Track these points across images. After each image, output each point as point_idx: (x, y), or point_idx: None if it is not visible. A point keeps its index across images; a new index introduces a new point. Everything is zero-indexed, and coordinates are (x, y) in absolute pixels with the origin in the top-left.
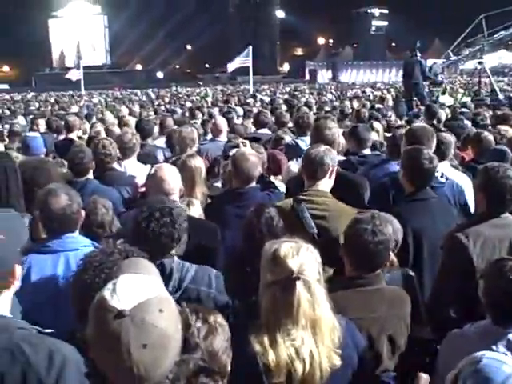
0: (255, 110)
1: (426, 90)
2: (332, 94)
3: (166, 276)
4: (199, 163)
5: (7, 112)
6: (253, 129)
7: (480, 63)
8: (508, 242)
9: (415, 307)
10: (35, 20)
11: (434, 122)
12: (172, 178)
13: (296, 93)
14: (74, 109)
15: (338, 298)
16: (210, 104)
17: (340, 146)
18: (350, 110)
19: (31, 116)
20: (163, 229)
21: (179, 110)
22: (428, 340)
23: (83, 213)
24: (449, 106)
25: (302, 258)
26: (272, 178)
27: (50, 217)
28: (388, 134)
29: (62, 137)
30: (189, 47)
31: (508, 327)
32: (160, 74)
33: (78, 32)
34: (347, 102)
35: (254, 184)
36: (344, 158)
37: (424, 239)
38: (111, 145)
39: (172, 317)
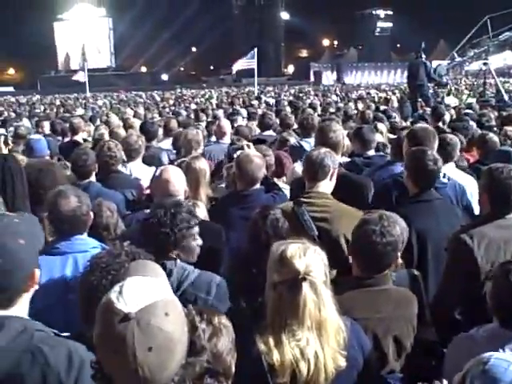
0: (260, 112)
1: (431, 91)
2: (337, 95)
3: None
4: (204, 165)
5: (12, 115)
6: (257, 131)
7: (485, 64)
8: None
9: (420, 308)
10: (40, 23)
11: (440, 123)
12: (177, 179)
13: (301, 94)
14: (79, 111)
15: (344, 298)
16: (214, 106)
17: (345, 147)
18: (355, 112)
19: (36, 119)
20: (163, 229)
21: (184, 112)
22: (432, 341)
23: (92, 214)
24: (454, 108)
25: (309, 259)
26: (276, 180)
27: (59, 218)
28: (392, 136)
29: (67, 139)
30: (193, 49)
31: None
32: (165, 76)
33: (83, 35)
34: (351, 104)
35: (258, 186)
36: (349, 159)
37: (428, 240)
38: (116, 147)
39: (178, 320)
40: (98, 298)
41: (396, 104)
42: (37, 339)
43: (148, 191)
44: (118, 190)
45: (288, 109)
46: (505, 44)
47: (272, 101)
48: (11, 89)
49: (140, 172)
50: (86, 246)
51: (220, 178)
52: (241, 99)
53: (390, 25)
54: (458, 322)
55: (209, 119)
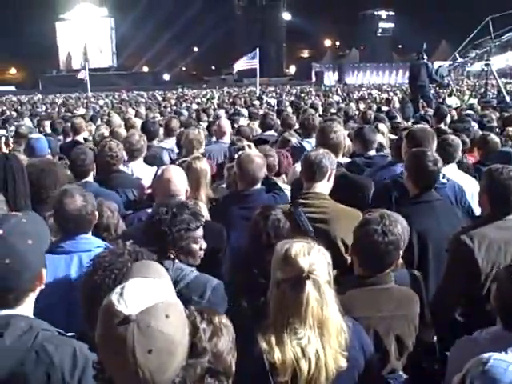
0: (261, 112)
1: (432, 92)
2: (339, 95)
3: None
4: (205, 166)
5: (14, 114)
6: (259, 131)
7: (487, 65)
8: None
9: (421, 308)
10: (42, 23)
11: (442, 125)
12: (178, 179)
13: (302, 95)
14: (81, 111)
15: (345, 296)
16: (216, 106)
17: (346, 148)
18: (356, 112)
19: (38, 118)
20: (162, 227)
21: (185, 112)
22: (431, 343)
23: (97, 214)
24: (455, 108)
25: (313, 258)
26: (275, 179)
27: (65, 217)
28: (394, 136)
29: (68, 139)
30: (195, 49)
31: None
32: (166, 76)
33: (85, 34)
34: (352, 104)
35: (259, 186)
36: (350, 159)
37: (429, 241)
38: (117, 147)
39: (179, 322)
40: (101, 298)
41: (397, 105)
42: (42, 338)
43: (149, 191)
44: (119, 189)
45: (289, 109)
46: (507, 45)
47: (274, 101)
48: (13, 88)
49: (141, 171)
50: (91, 246)
51: (221, 178)
52: (242, 99)
53: (391, 25)
54: (458, 323)
55: (210, 119)
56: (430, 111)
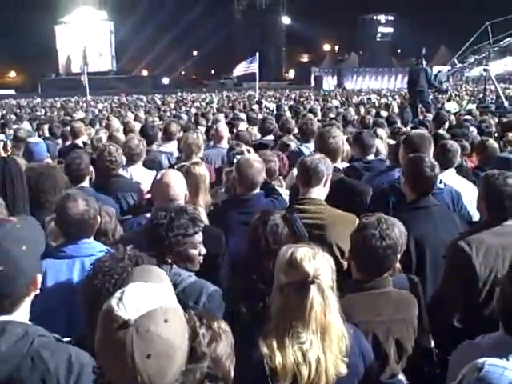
0: (260, 117)
1: (431, 97)
2: (338, 100)
3: None
4: (204, 171)
5: (13, 117)
6: (258, 135)
7: (485, 70)
8: (511, 249)
9: (419, 312)
10: (42, 26)
11: (440, 130)
12: (177, 183)
13: (301, 99)
14: (80, 114)
15: (344, 301)
16: (215, 110)
17: (344, 152)
18: (355, 117)
19: (37, 121)
20: (159, 232)
21: (185, 117)
22: (429, 348)
23: (99, 218)
24: (454, 114)
25: (318, 263)
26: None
27: (67, 221)
28: (392, 141)
29: (68, 143)
30: (195, 53)
31: None
32: (166, 80)
33: (85, 38)
34: (351, 109)
35: (257, 190)
36: (348, 164)
37: (426, 247)
38: (117, 151)
39: (178, 327)
40: (101, 302)
41: (396, 109)
42: (37, 344)
43: (149, 195)
44: (118, 193)
45: (288, 114)
46: (505, 50)
47: (273, 105)
48: (12, 91)
49: (140, 176)
50: (93, 250)
51: (219, 183)
52: (241, 103)
53: (390, 30)
54: (456, 329)
55: (209, 123)
56: (429, 116)
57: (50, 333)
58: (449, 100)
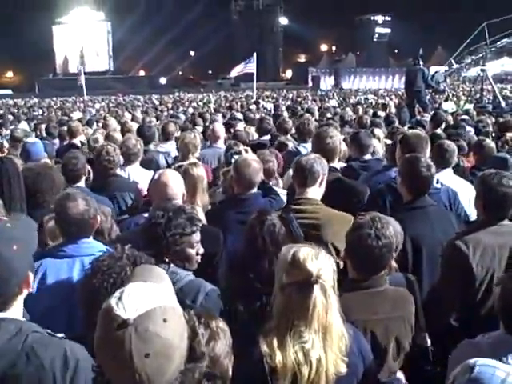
0: (258, 117)
1: (428, 97)
2: (336, 100)
3: None
4: (201, 172)
5: (11, 117)
6: (255, 135)
7: (482, 70)
8: (508, 249)
9: (415, 311)
10: (39, 26)
11: (438, 130)
12: (175, 183)
13: (299, 99)
14: (77, 114)
15: (341, 300)
16: (212, 110)
17: (341, 152)
18: (353, 117)
19: (35, 121)
20: (157, 231)
21: (183, 117)
22: (425, 347)
23: (99, 218)
24: (451, 114)
25: (321, 262)
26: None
27: (67, 221)
28: (389, 141)
29: (65, 142)
30: (192, 53)
31: None
32: (163, 80)
33: (82, 38)
34: (349, 109)
35: (255, 190)
36: (345, 164)
37: (423, 247)
38: (115, 151)
39: (177, 326)
40: (100, 301)
41: (393, 110)
42: (32, 340)
43: (146, 195)
44: (116, 193)
45: (286, 113)
46: (502, 50)
47: (270, 105)
48: (9, 91)
49: (138, 175)
50: (93, 250)
51: (216, 183)
52: (239, 104)
53: (388, 30)
54: (453, 328)
55: (206, 124)
56: (427, 116)
57: (51, 331)
58: (446, 100)
